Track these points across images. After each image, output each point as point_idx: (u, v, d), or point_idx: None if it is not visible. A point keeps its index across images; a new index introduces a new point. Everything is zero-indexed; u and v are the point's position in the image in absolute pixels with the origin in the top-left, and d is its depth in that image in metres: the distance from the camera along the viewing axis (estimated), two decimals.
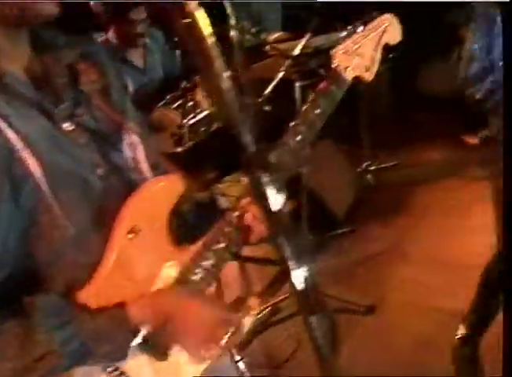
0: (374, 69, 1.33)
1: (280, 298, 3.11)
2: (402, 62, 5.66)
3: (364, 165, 4.60)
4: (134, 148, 1.12)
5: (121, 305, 1.01)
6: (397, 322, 2.92)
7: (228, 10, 4.36)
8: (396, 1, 4.56)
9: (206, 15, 0.72)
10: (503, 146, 1.98)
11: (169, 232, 1.12)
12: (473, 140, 5.19)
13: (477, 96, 2.26)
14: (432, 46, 5.76)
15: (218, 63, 0.69)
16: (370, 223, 3.87)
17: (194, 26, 0.69)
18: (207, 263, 1.15)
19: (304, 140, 1.22)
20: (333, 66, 1.27)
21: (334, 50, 1.28)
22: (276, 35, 4.21)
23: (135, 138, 1.12)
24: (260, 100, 3.01)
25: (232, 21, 4.34)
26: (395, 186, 4.43)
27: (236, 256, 3.13)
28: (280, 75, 3.02)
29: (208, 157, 2.58)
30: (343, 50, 1.28)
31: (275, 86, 3.11)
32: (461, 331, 2.59)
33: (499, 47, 2.22)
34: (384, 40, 1.33)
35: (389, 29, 1.34)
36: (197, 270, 1.15)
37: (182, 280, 1.13)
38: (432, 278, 3.17)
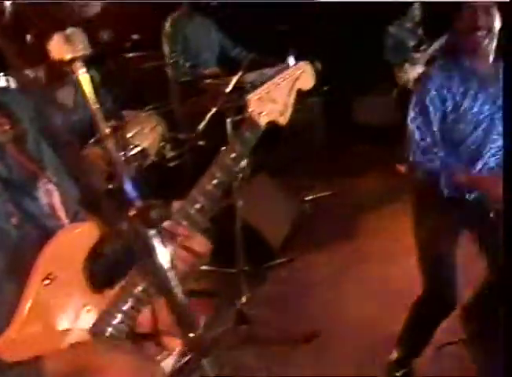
0: (288, 113, 1.38)
1: (218, 331, 3.10)
2: (337, 94, 5.87)
3: (302, 195, 4.70)
4: (50, 194, 1.13)
5: (36, 359, 1.00)
6: (337, 350, 2.96)
7: (165, 45, 4.45)
8: (332, 41, 4.76)
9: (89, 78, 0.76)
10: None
11: (86, 278, 1.13)
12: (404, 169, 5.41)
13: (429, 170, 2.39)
14: (367, 80, 6.00)
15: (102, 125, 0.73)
16: (308, 252, 3.95)
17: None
18: (126, 306, 1.16)
19: (220, 184, 1.25)
20: (247, 112, 1.31)
21: (248, 97, 1.33)
22: (211, 71, 4.31)
23: (51, 185, 1.13)
24: (194, 135, 3.05)
25: (168, 56, 4.44)
26: (332, 215, 4.53)
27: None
28: (213, 110, 3.08)
29: (141, 192, 2.58)
30: (257, 97, 1.33)
31: (209, 121, 3.17)
32: (394, 355, 2.66)
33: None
34: (297, 86, 1.39)
35: (302, 76, 1.40)
36: (116, 314, 1.16)
37: (101, 325, 1.14)
38: (371, 304, 3.25)
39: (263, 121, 1.33)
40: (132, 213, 0.77)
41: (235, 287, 3.32)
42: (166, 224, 1.10)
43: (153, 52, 4.70)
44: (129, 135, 2.65)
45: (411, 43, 5.51)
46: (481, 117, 2.28)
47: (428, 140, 2.27)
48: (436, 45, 5.40)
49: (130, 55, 4.34)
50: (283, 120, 1.37)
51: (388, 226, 4.18)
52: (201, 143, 3.02)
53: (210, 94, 3.36)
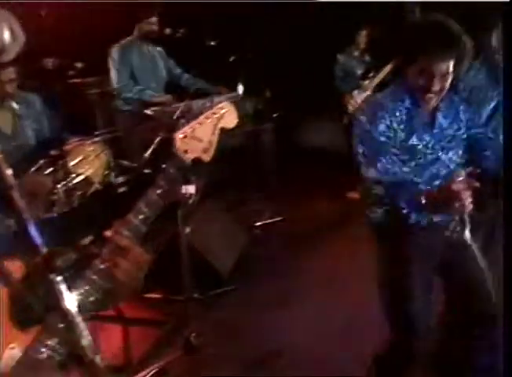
0: (212, 150, 1.45)
1: (166, 360, 3.07)
2: (287, 122, 5.97)
3: (252, 220, 4.72)
4: None
5: None
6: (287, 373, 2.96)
7: (112, 72, 4.44)
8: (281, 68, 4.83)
9: None
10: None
11: (10, 316, 1.11)
12: (355, 195, 5.51)
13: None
14: (317, 109, 6.13)
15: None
16: (258, 277, 3.96)
17: None
18: (52, 341, 1.15)
19: (146, 219, 1.29)
20: (173, 149, 1.38)
21: (175, 135, 1.39)
22: (158, 98, 4.32)
23: None
24: (140, 162, 3.05)
25: (114, 83, 4.43)
26: (282, 240, 4.57)
27: (119, 318, 3.08)
28: (159, 138, 3.09)
29: (83, 221, 2.56)
30: (182, 135, 1.40)
31: (156, 149, 3.17)
32: None
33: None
34: (221, 125, 1.47)
35: (225, 115, 1.47)
36: (42, 349, 1.14)
37: (26, 361, 1.12)
38: (321, 327, 3.28)
39: (188, 158, 1.40)
40: (37, 259, 0.77)
41: (183, 314, 3.30)
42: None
43: (100, 78, 4.69)
44: (72, 163, 2.63)
45: (359, 71, 5.67)
46: (420, 150, 2.15)
47: (378, 157, 2.10)
48: (383, 72, 5.58)
49: (76, 81, 4.31)
50: (206, 157, 1.44)
51: (338, 251, 4.25)
52: (147, 171, 3.01)
53: (156, 122, 3.37)
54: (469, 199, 1.87)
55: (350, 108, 5.58)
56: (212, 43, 4.66)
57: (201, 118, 1.43)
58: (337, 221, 4.97)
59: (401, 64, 2.13)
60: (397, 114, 2.10)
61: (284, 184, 5.53)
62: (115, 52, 4.48)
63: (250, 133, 5.29)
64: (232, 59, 4.66)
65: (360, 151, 2.14)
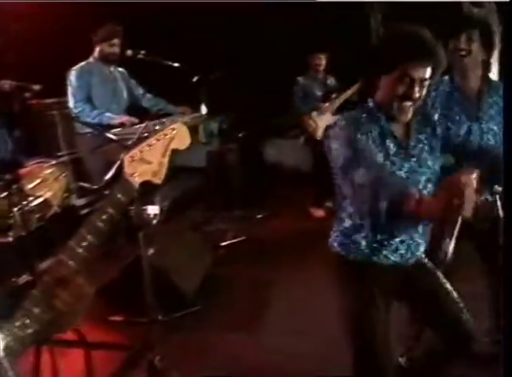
0: (163, 173, 1.42)
1: None
2: (252, 141, 6.02)
3: (216, 241, 4.71)
4: None
5: None
6: None
7: (69, 96, 4.41)
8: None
9: None
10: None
11: None
12: (318, 213, 5.57)
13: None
14: (281, 128, 6.20)
15: None
16: (223, 298, 3.94)
17: None
18: None
19: (89, 246, 1.26)
20: (122, 173, 1.35)
21: (123, 157, 1.36)
22: (119, 120, 4.29)
23: None
24: (100, 185, 3.02)
25: (73, 105, 4.39)
26: (247, 260, 4.56)
27: (81, 343, 3.02)
28: (119, 161, 3.06)
29: (41, 244, 2.53)
30: (130, 158, 1.37)
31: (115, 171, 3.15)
32: None
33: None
34: (172, 146, 1.43)
35: (177, 136, 1.44)
36: None
37: None
38: (289, 346, 3.25)
39: (136, 181, 1.37)
40: None
41: (147, 337, 3.25)
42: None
43: (59, 99, 4.64)
44: (30, 186, 2.60)
45: (319, 93, 5.75)
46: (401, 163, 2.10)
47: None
48: (344, 94, 5.66)
49: (34, 103, 4.26)
50: (157, 180, 1.41)
51: (304, 270, 4.24)
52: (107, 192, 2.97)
53: (117, 143, 3.35)
54: (472, 203, 1.75)
55: (309, 129, 5.63)
56: (175, 64, 4.67)
57: (151, 140, 1.39)
58: (301, 239, 4.99)
59: (373, 78, 2.09)
60: (372, 132, 2.07)
61: (249, 203, 5.55)
62: (72, 74, 4.43)
63: (215, 152, 5.31)
64: (195, 79, 4.68)
65: (338, 166, 2.05)
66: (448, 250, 2.08)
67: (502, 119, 2.39)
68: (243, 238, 4.83)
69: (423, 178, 2.14)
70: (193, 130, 4.86)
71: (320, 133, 5.60)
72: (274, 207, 5.71)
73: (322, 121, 5.61)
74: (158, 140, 1.41)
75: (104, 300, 3.58)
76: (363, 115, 2.11)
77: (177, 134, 1.43)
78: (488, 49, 2.60)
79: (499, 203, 2.57)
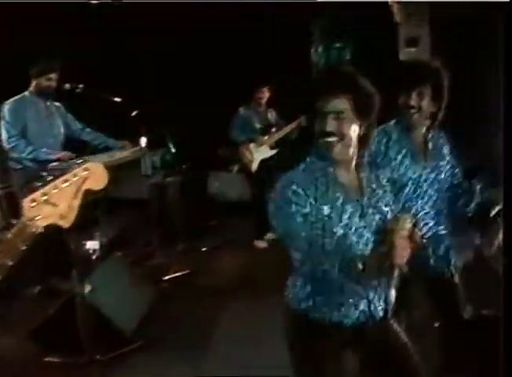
0: (73, 215, 1.36)
1: None
2: (195, 173, 6.01)
3: (158, 275, 4.63)
4: None
5: None
6: None
7: (2, 131, 4.31)
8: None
9: None
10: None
11: None
12: (261, 245, 5.57)
13: None
14: (220, 160, 6.21)
15: None
16: (167, 333, 3.85)
17: None
18: None
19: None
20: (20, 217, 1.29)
21: (23, 201, 1.30)
22: (55, 155, 4.22)
23: None
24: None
25: (6, 141, 4.29)
26: (191, 293, 4.49)
27: None
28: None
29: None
30: (32, 201, 1.30)
31: None
32: None
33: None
34: (85, 187, 1.37)
35: (90, 176, 1.37)
36: None
37: None
38: None
39: (39, 224, 1.31)
40: None
41: None
42: None
43: None
44: None
45: (258, 125, 5.78)
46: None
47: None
48: (284, 130, 5.70)
49: None
50: (65, 223, 1.34)
51: (248, 303, 4.20)
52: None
53: (54, 178, 3.28)
54: (403, 250, 1.67)
55: (244, 159, 5.64)
56: (115, 99, 4.65)
57: (57, 182, 1.33)
58: (246, 272, 4.96)
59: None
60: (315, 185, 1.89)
61: (193, 236, 5.50)
62: (6, 109, 4.34)
63: (158, 184, 5.27)
64: (134, 113, 4.67)
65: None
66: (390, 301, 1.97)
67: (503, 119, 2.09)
68: (187, 271, 4.77)
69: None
70: (135, 163, 4.82)
71: (255, 166, 5.64)
72: (218, 240, 5.67)
73: (258, 153, 5.64)
74: (66, 181, 1.34)
75: (39, 340, 3.45)
76: (310, 169, 1.92)
77: (90, 174, 1.37)
78: (437, 102, 2.51)
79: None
